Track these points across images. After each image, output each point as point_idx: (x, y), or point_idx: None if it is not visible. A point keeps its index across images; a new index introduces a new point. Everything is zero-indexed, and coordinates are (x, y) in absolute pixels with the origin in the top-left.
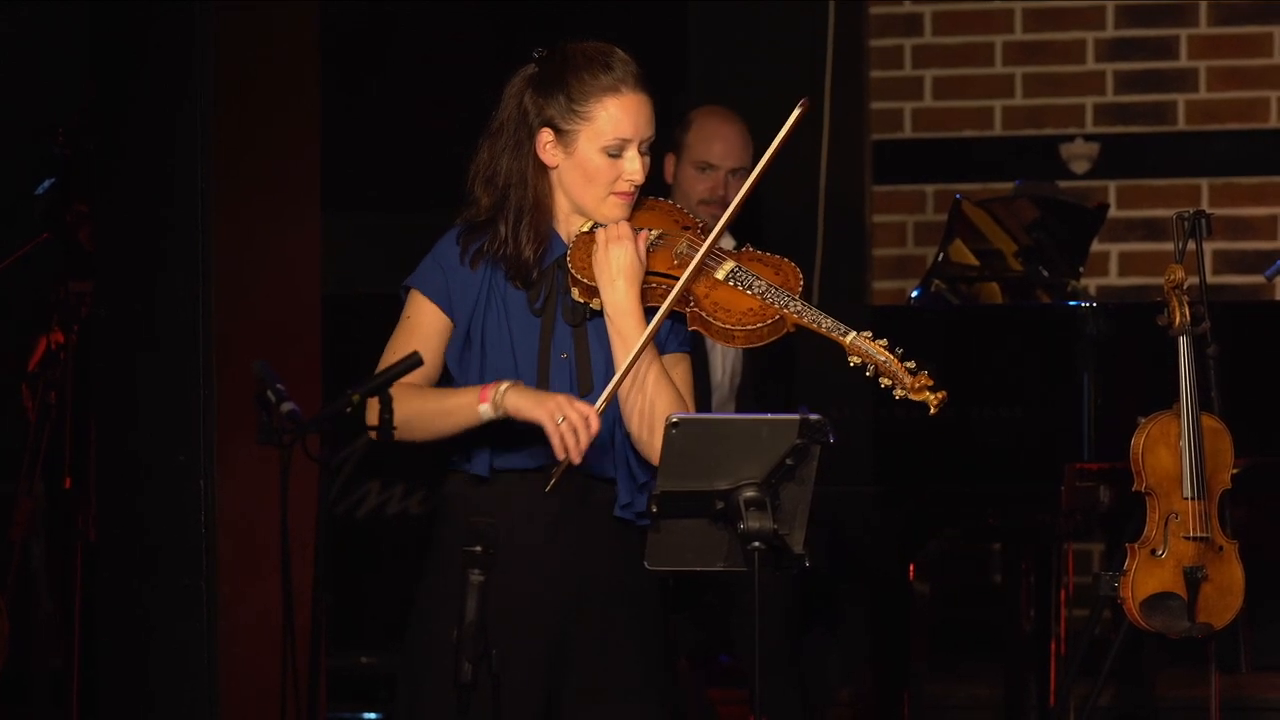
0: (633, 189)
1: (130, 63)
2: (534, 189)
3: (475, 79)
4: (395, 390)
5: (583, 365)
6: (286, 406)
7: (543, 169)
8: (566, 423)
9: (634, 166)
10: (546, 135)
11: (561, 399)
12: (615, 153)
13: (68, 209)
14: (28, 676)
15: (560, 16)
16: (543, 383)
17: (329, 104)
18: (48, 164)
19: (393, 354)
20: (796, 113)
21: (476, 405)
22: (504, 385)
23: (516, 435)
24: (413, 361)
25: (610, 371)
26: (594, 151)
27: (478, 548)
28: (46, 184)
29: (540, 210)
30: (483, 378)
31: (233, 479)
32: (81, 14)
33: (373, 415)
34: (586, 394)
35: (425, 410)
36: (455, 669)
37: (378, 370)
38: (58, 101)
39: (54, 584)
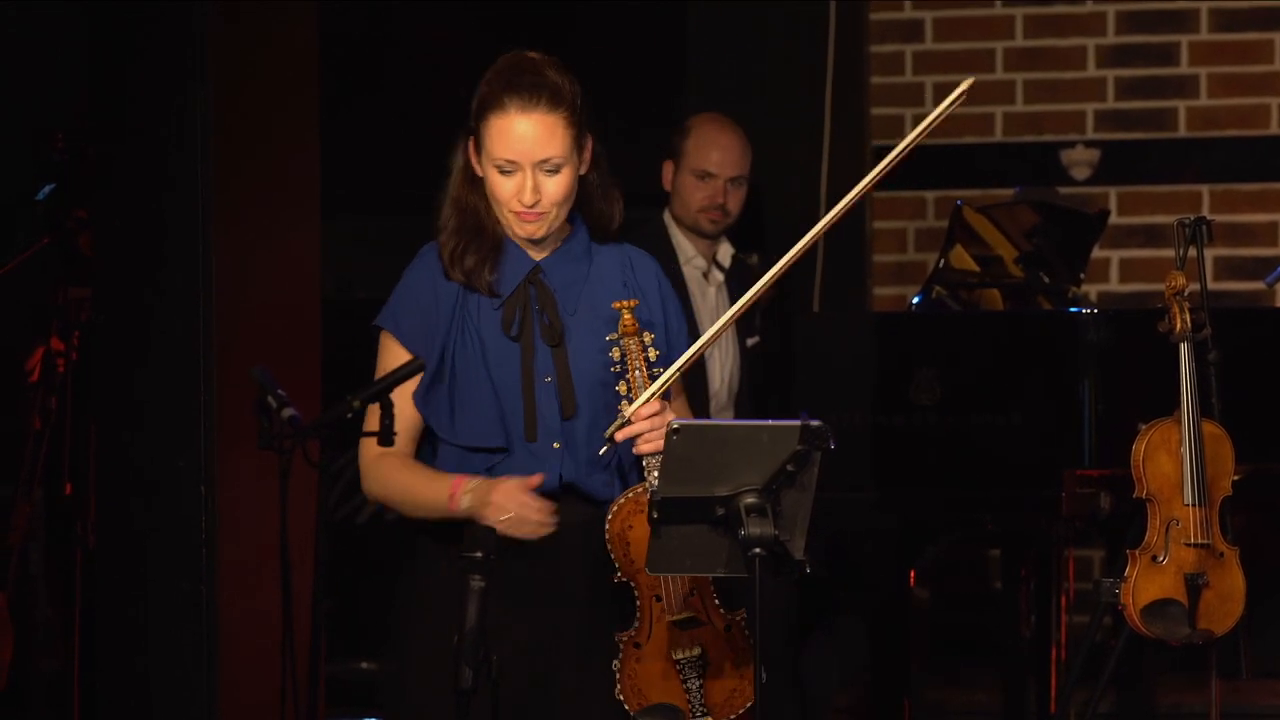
0: (527, 210)
1: (129, 67)
2: (469, 200)
3: (476, 81)
4: (379, 461)
5: (564, 388)
6: (286, 412)
7: (478, 179)
8: (511, 520)
9: (525, 185)
10: (472, 144)
11: (498, 495)
12: (507, 172)
13: (67, 215)
14: (27, 682)
15: (561, 20)
16: (529, 409)
17: (328, 108)
18: (47, 169)
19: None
20: (963, 86)
21: (449, 502)
22: (466, 487)
23: (509, 462)
24: (414, 367)
25: (592, 391)
26: (490, 168)
27: (478, 553)
28: (46, 189)
29: (479, 219)
30: (452, 413)
31: (232, 485)
32: (80, 18)
33: (372, 421)
34: (570, 417)
35: (403, 501)
36: (455, 675)
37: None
38: (57, 106)
39: (53, 590)
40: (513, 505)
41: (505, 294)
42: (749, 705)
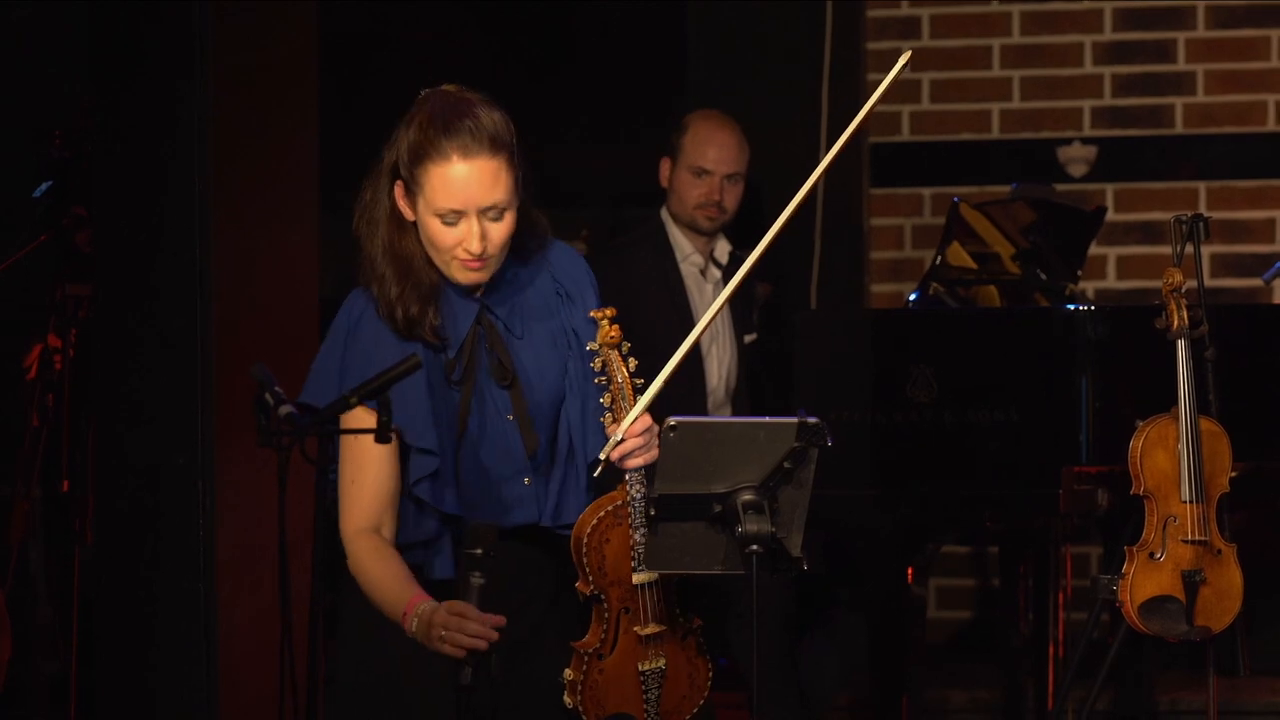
0: (474, 258)
1: (128, 65)
2: (401, 245)
3: (474, 79)
4: (356, 539)
5: (524, 424)
6: (284, 409)
7: (406, 222)
8: (448, 642)
9: (471, 233)
10: (400, 189)
11: (436, 621)
12: (450, 222)
13: (65, 212)
14: (27, 681)
15: (559, 19)
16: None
17: (327, 104)
18: (46, 167)
19: (346, 477)
20: (903, 60)
21: (401, 620)
22: (417, 609)
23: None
24: (413, 364)
25: (554, 413)
26: (429, 217)
27: (478, 550)
28: (44, 187)
29: (412, 265)
30: (457, 489)
31: (231, 482)
32: (80, 15)
33: (367, 421)
34: (534, 452)
35: (370, 594)
36: (457, 672)
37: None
38: (56, 104)
39: (52, 587)
40: (452, 625)
41: (457, 341)
42: (695, 710)
